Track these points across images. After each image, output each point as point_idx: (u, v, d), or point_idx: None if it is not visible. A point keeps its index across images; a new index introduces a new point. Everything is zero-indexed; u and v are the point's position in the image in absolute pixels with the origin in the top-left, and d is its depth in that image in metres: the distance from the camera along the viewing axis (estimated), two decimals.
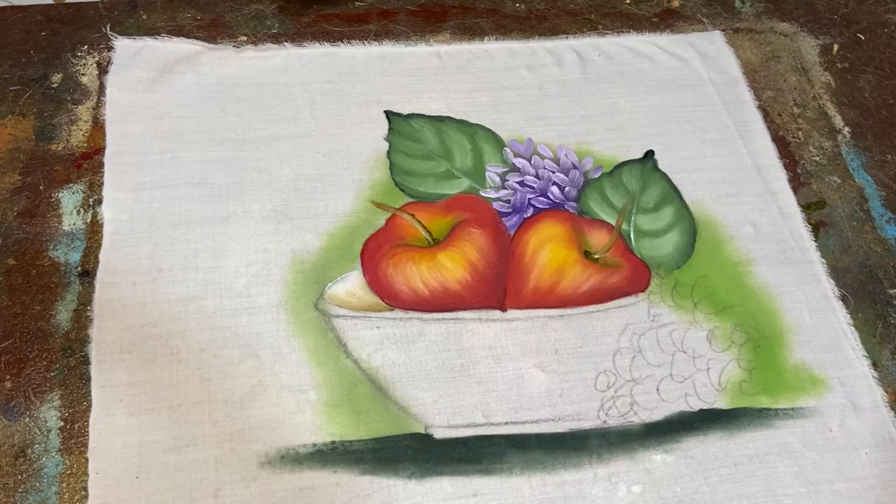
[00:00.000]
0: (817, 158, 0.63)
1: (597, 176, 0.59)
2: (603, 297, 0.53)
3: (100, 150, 0.55)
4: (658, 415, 0.49)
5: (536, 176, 0.58)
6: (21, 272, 0.50)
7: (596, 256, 0.54)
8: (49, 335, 0.48)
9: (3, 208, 0.53)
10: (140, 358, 0.47)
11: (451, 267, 0.51)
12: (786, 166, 0.62)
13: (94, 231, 0.52)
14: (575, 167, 0.59)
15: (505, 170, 0.58)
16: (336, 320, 0.50)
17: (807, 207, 0.60)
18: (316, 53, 0.63)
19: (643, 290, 0.54)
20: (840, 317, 0.54)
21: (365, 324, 0.50)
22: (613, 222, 0.56)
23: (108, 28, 0.62)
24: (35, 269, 0.50)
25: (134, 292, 0.49)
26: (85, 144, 0.56)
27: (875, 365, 0.53)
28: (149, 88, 0.59)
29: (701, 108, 0.64)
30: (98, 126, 0.57)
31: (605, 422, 0.49)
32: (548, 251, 0.53)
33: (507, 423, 0.48)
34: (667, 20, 0.70)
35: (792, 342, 0.53)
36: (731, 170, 0.61)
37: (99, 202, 0.53)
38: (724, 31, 0.70)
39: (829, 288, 0.56)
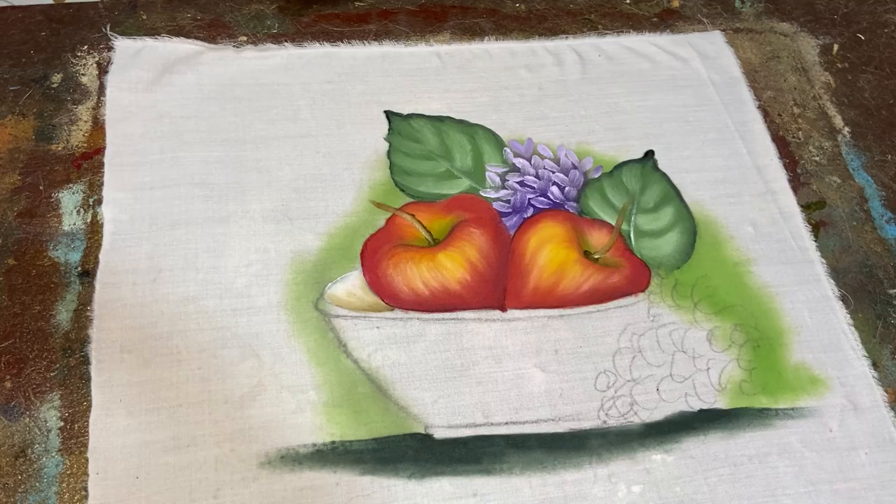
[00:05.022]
0: (817, 158, 0.63)
1: (597, 176, 0.59)
2: (603, 297, 0.53)
3: (100, 150, 0.55)
4: (658, 415, 0.49)
5: (536, 176, 0.58)
6: (21, 272, 0.50)
7: (596, 256, 0.54)
8: (49, 335, 0.48)
9: (3, 208, 0.53)
10: (140, 358, 0.47)
11: (451, 267, 0.51)
12: (786, 166, 0.62)
13: (94, 231, 0.52)
14: (575, 167, 0.59)
15: (505, 170, 0.58)
16: (336, 320, 0.50)
17: (807, 207, 0.60)
18: (316, 53, 0.63)
19: (643, 290, 0.54)
20: (840, 317, 0.54)
21: (365, 324, 0.50)
22: (613, 222, 0.56)
23: (108, 28, 0.62)
24: (35, 269, 0.50)
25: (134, 292, 0.49)
26: (85, 144, 0.56)
27: (875, 365, 0.53)
28: (149, 88, 0.59)
29: (701, 108, 0.64)
30: (98, 126, 0.57)
31: (605, 422, 0.49)
32: (548, 251, 0.53)
33: (507, 423, 0.48)
34: (667, 20, 0.70)
35: (792, 342, 0.53)
36: (731, 170, 0.61)
37: (99, 202, 0.53)
38: (724, 31, 0.70)
39: (829, 288, 0.56)
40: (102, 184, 0.54)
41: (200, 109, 0.58)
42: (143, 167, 0.55)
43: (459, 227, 0.53)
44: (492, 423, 0.48)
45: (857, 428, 0.50)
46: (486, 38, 0.66)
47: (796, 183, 0.61)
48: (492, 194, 0.57)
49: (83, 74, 0.60)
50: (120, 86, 0.58)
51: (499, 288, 0.52)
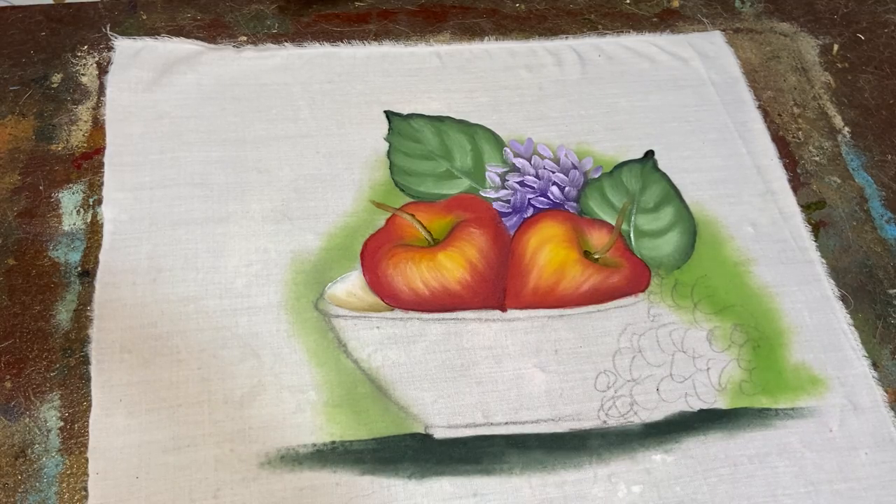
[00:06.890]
0: (817, 158, 0.63)
1: (597, 176, 0.59)
2: (603, 297, 0.53)
3: (100, 150, 0.55)
4: (658, 415, 0.49)
5: (536, 176, 0.58)
6: (21, 272, 0.50)
7: (596, 256, 0.54)
8: (49, 335, 0.48)
9: (3, 208, 0.53)
10: (140, 358, 0.47)
11: (451, 267, 0.51)
12: (786, 166, 0.62)
13: (94, 231, 0.52)
14: (575, 167, 0.59)
15: (505, 170, 0.58)
16: (336, 320, 0.50)
17: (807, 207, 0.60)
18: (316, 53, 0.63)
19: (643, 290, 0.54)
20: (840, 317, 0.54)
21: (365, 324, 0.50)
22: (613, 222, 0.56)
23: (108, 28, 0.62)
24: (35, 269, 0.50)
25: (134, 292, 0.49)
26: (85, 144, 0.56)
27: (875, 365, 0.53)
28: (149, 88, 0.59)
29: (701, 108, 0.64)
30: (98, 126, 0.57)
31: (605, 422, 0.49)
32: (548, 251, 0.53)
33: (507, 423, 0.48)
34: (667, 20, 0.70)
35: (792, 342, 0.53)
36: (731, 170, 0.61)
37: (99, 202, 0.53)
38: (724, 31, 0.70)
39: (829, 288, 0.56)
40: (102, 184, 0.54)
41: (200, 109, 0.58)
42: (143, 167, 0.55)
43: (459, 227, 0.53)
44: (492, 423, 0.48)
45: (857, 428, 0.50)
46: (486, 38, 0.66)
47: (796, 183, 0.61)
48: (492, 194, 0.57)
49: (83, 74, 0.60)
50: (120, 86, 0.58)
51: (499, 288, 0.52)
